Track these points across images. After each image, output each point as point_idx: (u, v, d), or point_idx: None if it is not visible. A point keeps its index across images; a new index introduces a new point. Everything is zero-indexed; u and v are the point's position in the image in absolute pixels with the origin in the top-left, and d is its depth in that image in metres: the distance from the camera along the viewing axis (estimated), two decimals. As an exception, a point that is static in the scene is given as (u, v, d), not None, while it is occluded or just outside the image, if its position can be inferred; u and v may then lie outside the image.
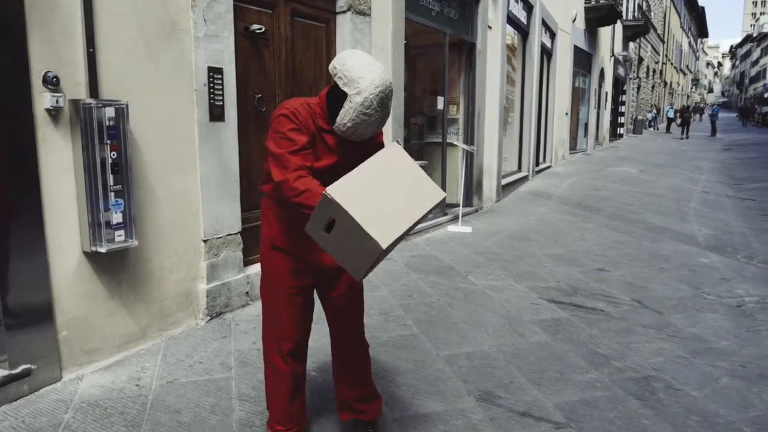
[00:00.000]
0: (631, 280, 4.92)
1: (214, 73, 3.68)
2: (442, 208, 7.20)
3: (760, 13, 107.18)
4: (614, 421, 2.71)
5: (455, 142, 7.07)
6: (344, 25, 4.99)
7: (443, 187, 7.17)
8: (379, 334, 3.63)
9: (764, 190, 10.86)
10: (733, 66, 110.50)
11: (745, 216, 8.21)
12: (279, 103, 4.40)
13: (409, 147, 7.19)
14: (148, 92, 3.29)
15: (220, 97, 3.73)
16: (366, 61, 2.04)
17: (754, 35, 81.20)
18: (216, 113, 3.71)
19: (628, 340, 3.65)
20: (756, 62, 78.88)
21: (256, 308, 3.99)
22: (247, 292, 4.04)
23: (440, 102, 7.00)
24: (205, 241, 3.69)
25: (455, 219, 6.95)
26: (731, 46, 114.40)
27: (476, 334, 3.67)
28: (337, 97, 2.09)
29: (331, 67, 2.08)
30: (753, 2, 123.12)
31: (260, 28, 4.15)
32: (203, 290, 3.70)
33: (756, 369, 3.29)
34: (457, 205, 7.00)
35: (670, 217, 7.93)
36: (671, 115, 35.58)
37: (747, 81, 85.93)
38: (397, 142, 2.18)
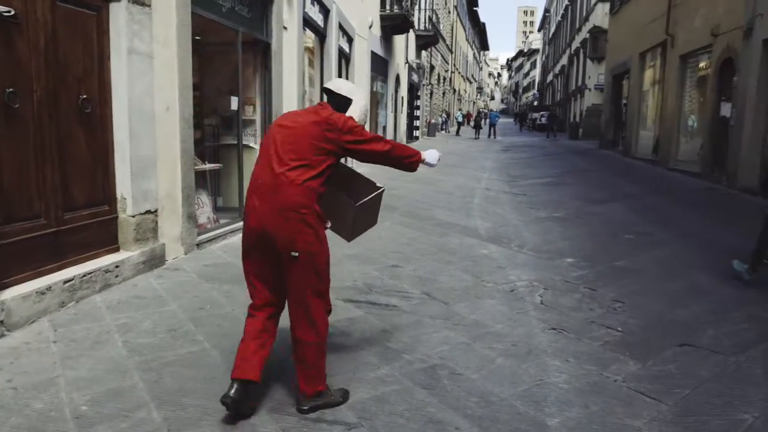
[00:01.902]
0: (421, 274, 5.21)
1: (-56, 61, 3.07)
2: (240, 212, 6.96)
3: (529, 32, 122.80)
4: (403, 413, 2.80)
5: (252, 145, 6.87)
6: (119, 14, 4.55)
7: (240, 191, 6.93)
8: (165, 354, 3.35)
9: (534, 186, 12.36)
10: (510, 77, 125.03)
11: (518, 209, 9.24)
12: (38, 99, 3.86)
13: (202, 149, 6.83)
14: None
15: (-46, 91, 3.13)
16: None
17: (525, 50, 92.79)
18: (-52, 109, 3.11)
19: (417, 332, 3.83)
20: (527, 74, 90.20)
21: (14, 339, 3.44)
22: (1, 321, 3.45)
23: (234, 102, 6.75)
24: (-63, 264, 3.07)
25: (255, 223, 6.76)
26: (507, 59, 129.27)
27: (271, 342, 3.56)
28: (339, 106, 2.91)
29: (343, 90, 2.96)
30: (524, 22, 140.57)
31: (8, 11, 3.59)
32: (-63, 323, 3.07)
33: (524, 347, 3.66)
34: (257, 209, 6.80)
35: (457, 212, 8.62)
36: (460, 119, 39.16)
37: (521, 90, 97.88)
38: None
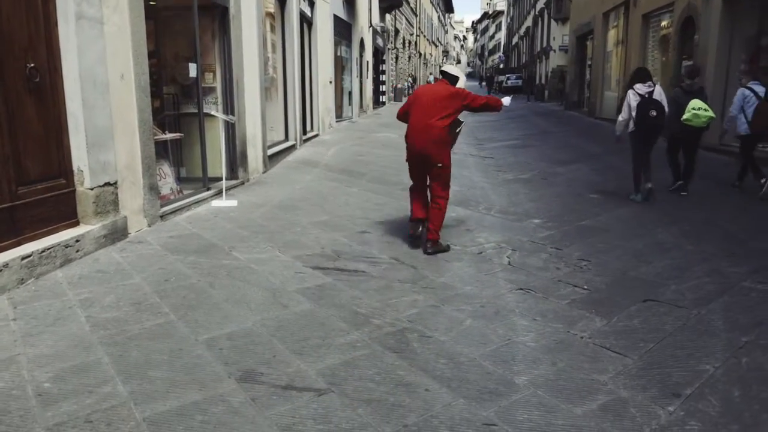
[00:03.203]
0: (389, 239, 5.20)
1: None
2: (205, 182, 6.82)
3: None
4: (373, 377, 2.80)
5: (213, 113, 6.69)
6: (63, -23, 4.30)
7: (203, 161, 6.78)
8: (130, 328, 3.28)
9: (500, 149, 12.41)
10: (475, 40, 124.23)
11: (485, 172, 9.27)
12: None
13: (162, 118, 6.63)
14: None
15: None
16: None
17: (490, 12, 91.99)
18: None
19: (386, 297, 3.83)
20: (492, 36, 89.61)
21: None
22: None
23: (192, 69, 6.52)
24: None
25: (219, 193, 6.64)
26: (473, 22, 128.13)
27: (239, 312, 3.53)
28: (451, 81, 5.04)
29: (454, 72, 5.08)
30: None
31: (-59, -26, 3.36)
32: None
33: (492, 308, 3.69)
34: (221, 179, 6.67)
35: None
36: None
37: (487, 53, 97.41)
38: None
